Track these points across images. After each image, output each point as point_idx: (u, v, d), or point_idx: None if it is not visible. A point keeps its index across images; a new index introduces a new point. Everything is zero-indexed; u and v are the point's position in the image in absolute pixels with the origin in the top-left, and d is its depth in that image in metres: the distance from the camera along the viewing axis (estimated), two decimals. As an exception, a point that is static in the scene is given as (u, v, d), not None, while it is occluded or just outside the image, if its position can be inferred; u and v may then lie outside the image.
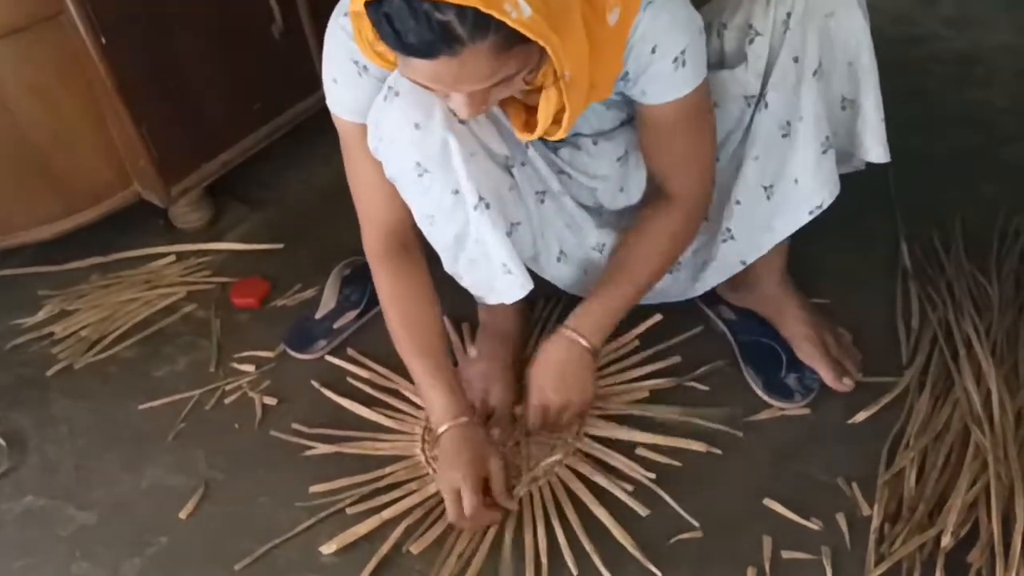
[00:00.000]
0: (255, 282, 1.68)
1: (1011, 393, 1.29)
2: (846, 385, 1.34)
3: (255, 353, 1.56)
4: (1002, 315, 1.40)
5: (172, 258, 1.76)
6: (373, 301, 1.57)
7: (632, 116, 1.23)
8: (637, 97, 1.14)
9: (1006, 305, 1.42)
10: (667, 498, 1.26)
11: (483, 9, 0.83)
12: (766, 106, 1.17)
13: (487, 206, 1.13)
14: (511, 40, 0.88)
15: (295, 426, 1.43)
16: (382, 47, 0.97)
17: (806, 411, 1.34)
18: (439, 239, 1.21)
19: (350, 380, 1.49)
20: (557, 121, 1.05)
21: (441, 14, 0.84)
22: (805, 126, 1.17)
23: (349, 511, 1.29)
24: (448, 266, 1.26)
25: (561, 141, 1.26)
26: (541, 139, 1.20)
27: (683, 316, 1.48)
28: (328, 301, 1.60)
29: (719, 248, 1.31)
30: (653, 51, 1.06)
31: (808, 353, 1.36)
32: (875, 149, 1.20)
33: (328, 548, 1.25)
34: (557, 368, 1.26)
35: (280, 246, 1.77)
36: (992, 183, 1.69)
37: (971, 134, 1.81)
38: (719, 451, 1.31)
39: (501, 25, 0.85)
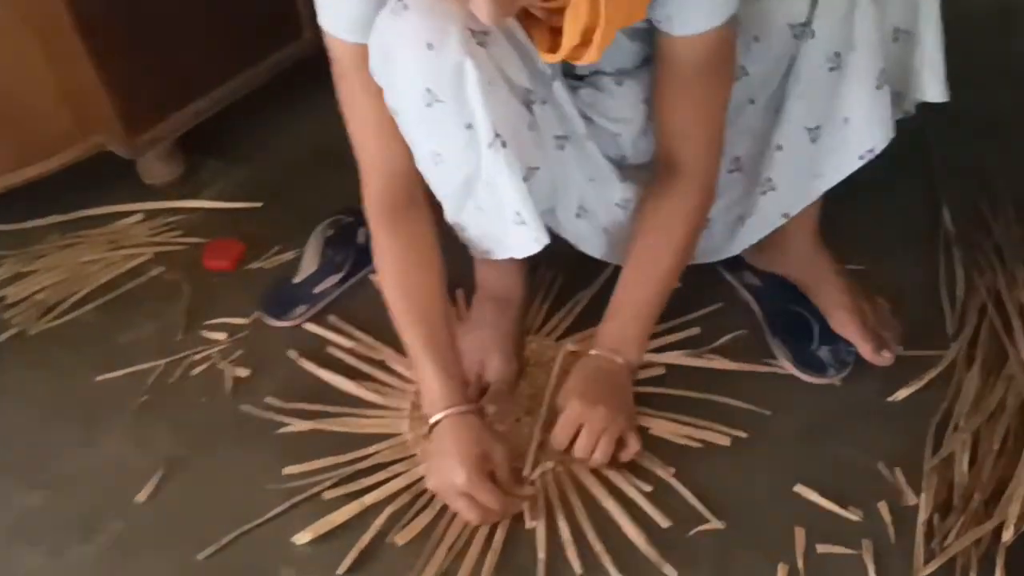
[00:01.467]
0: (229, 243, 1.54)
1: (1074, 368, 1.14)
2: (885, 358, 1.20)
3: (227, 320, 1.42)
4: (1059, 283, 1.26)
5: (139, 216, 1.63)
6: (358, 264, 1.45)
7: (652, 55, 1.10)
8: (663, 23, 1.00)
9: (1062, 272, 1.28)
10: (684, 491, 1.11)
11: None
12: (812, 35, 1.03)
13: (503, 144, 0.98)
14: None
15: (269, 400, 1.29)
16: None
17: (841, 386, 1.20)
18: (444, 183, 1.07)
19: (331, 350, 1.34)
20: (586, 43, 0.91)
21: None
22: (858, 58, 1.03)
23: (327, 496, 1.15)
24: (451, 214, 1.12)
25: (581, 79, 1.12)
26: (563, 75, 1.07)
27: (703, 282, 1.34)
28: (309, 264, 1.46)
29: (758, 201, 1.18)
30: None
31: (844, 323, 1.22)
32: (933, 86, 1.07)
33: (303, 537, 1.11)
34: (592, 381, 1.12)
35: (257, 204, 1.63)
36: (1036, 144, 1.55)
37: (1014, 90, 1.67)
38: (743, 433, 1.17)
39: None
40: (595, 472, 1.14)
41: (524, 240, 1.07)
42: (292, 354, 1.35)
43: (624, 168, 1.18)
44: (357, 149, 1.10)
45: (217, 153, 1.74)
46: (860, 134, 1.08)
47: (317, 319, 1.40)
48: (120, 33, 1.46)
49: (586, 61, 0.93)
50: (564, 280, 1.38)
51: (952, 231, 1.38)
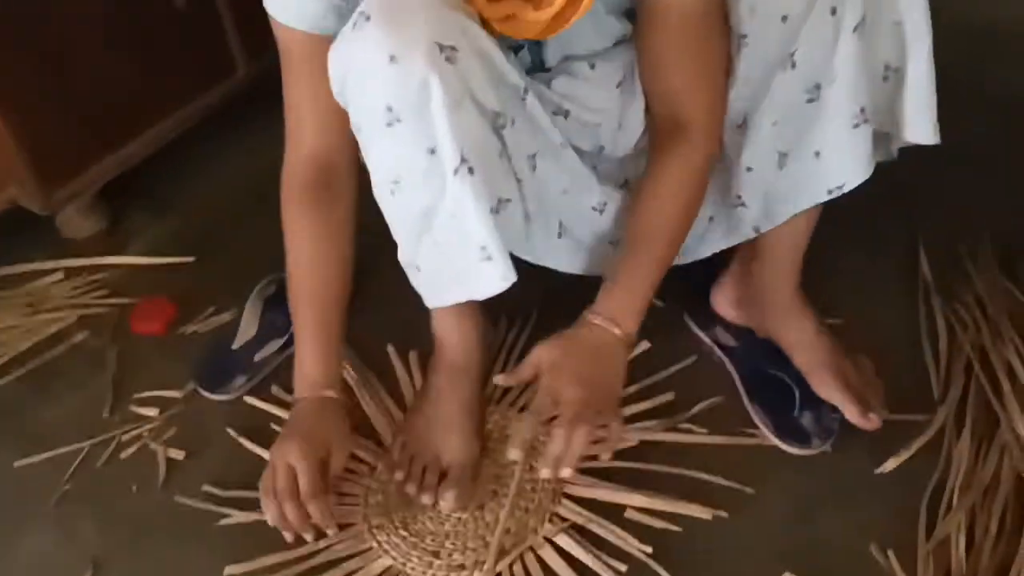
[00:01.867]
0: (159, 303, 1.43)
1: (1070, 435, 1.08)
2: (873, 422, 1.12)
3: (159, 393, 1.31)
4: (1048, 339, 1.20)
5: (60, 275, 1.51)
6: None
7: (628, 35, 1.05)
8: None
9: (1050, 327, 1.22)
10: (662, 573, 1.03)
11: None
12: (792, 66, 0.96)
13: (470, 171, 0.91)
14: None
15: (207, 488, 1.18)
16: None
17: (826, 456, 1.13)
18: (401, 213, 0.98)
19: (275, 427, 1.23)
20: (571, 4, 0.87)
21: None
22: (837, 92, 0.97)
23: (275, 599, 1.05)
24: (406, 252, 1.03)
25: (552, 71, 1.05)
26: (535, 71, 1.03)
27: (671, 342, 1.26)
28: (248, 328, 1.35)
29: (729, 212, 1.12)
30: None
31: (827, 384, 1.15)
32: (922, 127, 1.01)
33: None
34: (580, 349, 1.01)
35: (190, 259, 1.52)
36: (1017, 182, 1.49)
37: (993, 122, 1.61)
38: (725, 513, 1.08)
39: None
40: (566, 556, 1.05)
41: (489, 278, 0.97)
42: (231, 432, 1.23)
43: (600, 168, 1.12)
44: (289, 124, 1.06)
45: (144, 202, 1.63)
46: (830, 170, 1.02)
47: (258, 390, 1.30)
48: (33, 79, 1.34)
49: (580, 15, 0.88)
50: (527, 342, 1.29)
51: (931, 280, 1.31)
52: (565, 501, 1.10)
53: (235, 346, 1.33)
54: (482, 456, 1.16)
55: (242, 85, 1.58)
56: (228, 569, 1.08)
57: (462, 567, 1.05)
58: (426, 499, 1.10)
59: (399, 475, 1.13)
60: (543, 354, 1.01)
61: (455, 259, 0.98)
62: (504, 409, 1.22)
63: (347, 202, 1.09)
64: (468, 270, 0.98)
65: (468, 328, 1.18)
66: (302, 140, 1.05)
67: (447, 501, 1.09)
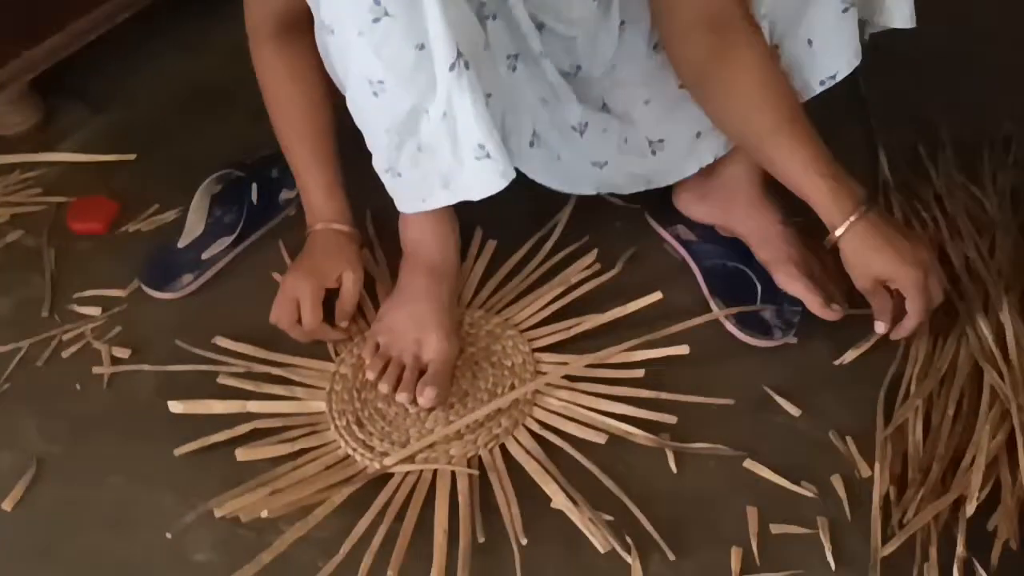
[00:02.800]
0: (100, 201, 1.37)
1: (1026, 325, 1.10)
2: (836, 312, 1.12)
3: (101, 292, 1.26)
4: (1004, 234, 1.20)
5: (-10, 172, 1.43)
6: (251, 224, 1.30)
7: None
8: None
9: (1006, 222, 1.23)
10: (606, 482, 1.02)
11: None
12: None
13: (466, 65, 0.88)
14: None
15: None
16: None
17: (786, 348, 1.14)
18: (382, 116, 0.95)
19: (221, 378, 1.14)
20: None
21: None
22: None
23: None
24: (384, 159, 1.00)
25: None
26: None
27: (635, 231, 1.26)
28: (194, 226, 1.30)
29: None
30: None
31: (790, 277, 1.14)
32: (900, 10, 1.01)
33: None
34: (889, 230, 1.01)
35: (131, 156, 1.45)
36: (974, 85, 1.50)
37: (947, 31, 1.60)
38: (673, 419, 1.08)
39: None
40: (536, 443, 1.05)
41: (486, 176, 0.95)
42: (180, 343, 1.18)
43: (579, 85, 1.10)
44: None
45: (79, 97, 1.55)
46: (823, 58, 1.02)
47: (207, 287, 1.26)
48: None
49: None
50: (499, 252, 1.25)
51: (890, 179, 1.31)
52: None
53: (181, 244, 1.28)
54: (459, 356, 1.13)
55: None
56: (178, 450, 1.06)
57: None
58: (403, 397, 1.07)
59: (371, 374, 1.10)
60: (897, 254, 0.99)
61: (444, 160, 0.96)
62: (474, 311, 1.19)
63: (311, 34, 1.04)
64: (460, 170, 0.96)
65: (446, 231, 1.15)
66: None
67: (426, 398, 1.06)
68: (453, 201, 1.00)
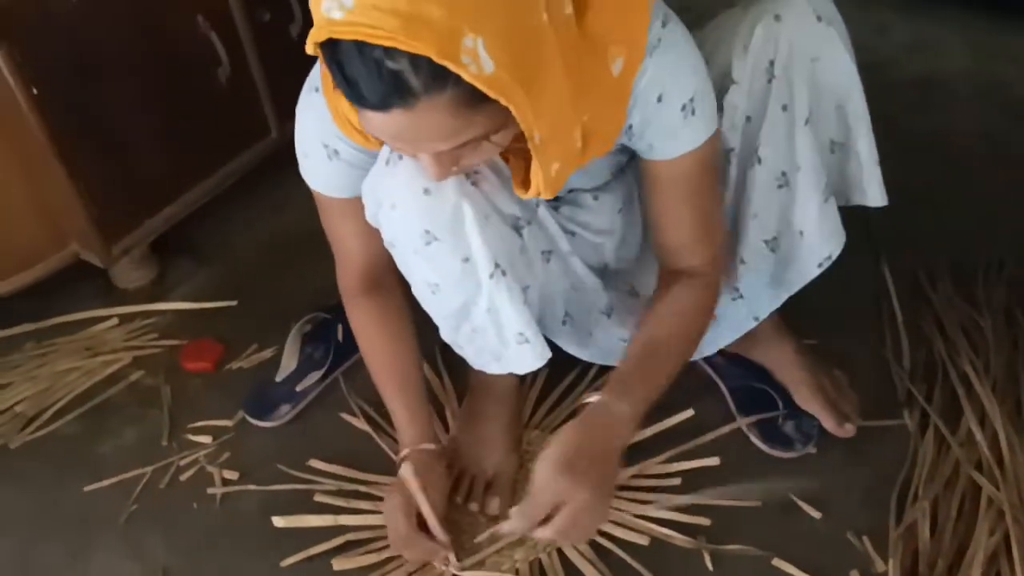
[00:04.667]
0: (207, 344, 1.56)
1: (1018, 433, 1.24)
2: (848, 431, 1.28)
3: (211, 422, 1.44)
4: (998, 351, 1.35)
5: (114, 321, 1.63)
6: (338, 359, 1.49)
7: (626, 163, 1.17)
8: (644, 152, 1.05)
9: (1000, 340, 1.38)
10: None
11: (437, 60, 0.74)
12: (759, 161, 1.11)
13: (503, 273, 1.05)
14: (475, 96, 0.78)
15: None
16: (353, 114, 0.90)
17: (806, 458, 1.28)
18: (441, 309, 1.12)
19: (317, 496, 1.32)
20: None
21: (393, 62, 0.76)
22: (804, 176, 1.11)
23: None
24: (447, 335, 1.17)
25: (558, 199, 1.19)
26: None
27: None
28: (289, 362, 1.49)
29: (729, 306, 1.24)
30: (659, 99, 0.97)
31: (807, 398, 1.30)
32: (872, 192, 1.16)
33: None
34: (582, 451, 1.02)
35: (233, 303, 1.64)
36: (965, 211, 1.66)
37: (938, 162, 1.79)
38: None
39: (461, 78, 0.76)
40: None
41: (528, 356, 1.12)
42: (281, 467, 1.36)
43: (606, 276, 1.25)
44: (333, 246, 1.19)
45: (187, 254, 1.75)
46: (815, 244, 1.15)
47: (302, 416, 1.44)
48: (93, 146, 1.48)
49: (547, 198, 0.98)
50: (550, 375, 1.42)
51: (896, 304, 1.46)
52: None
53: (278, 378, 1.46)
54: (520, 470, 1.30)
55: (274, 146, 1.74)
56: (284, 562, 1.23)
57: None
58: (474, 506, 1.25)
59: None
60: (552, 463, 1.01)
61: (493, 343, 1.13)
62: (531, 431, 1.36)
63: (398, 290, 1.20)
64: (506, 350, 1.13)
65: None
66: (349, 259, 1.18)
67: (491, 506, 1.24)
68: (505, 371, 1.17)
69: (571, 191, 1.19)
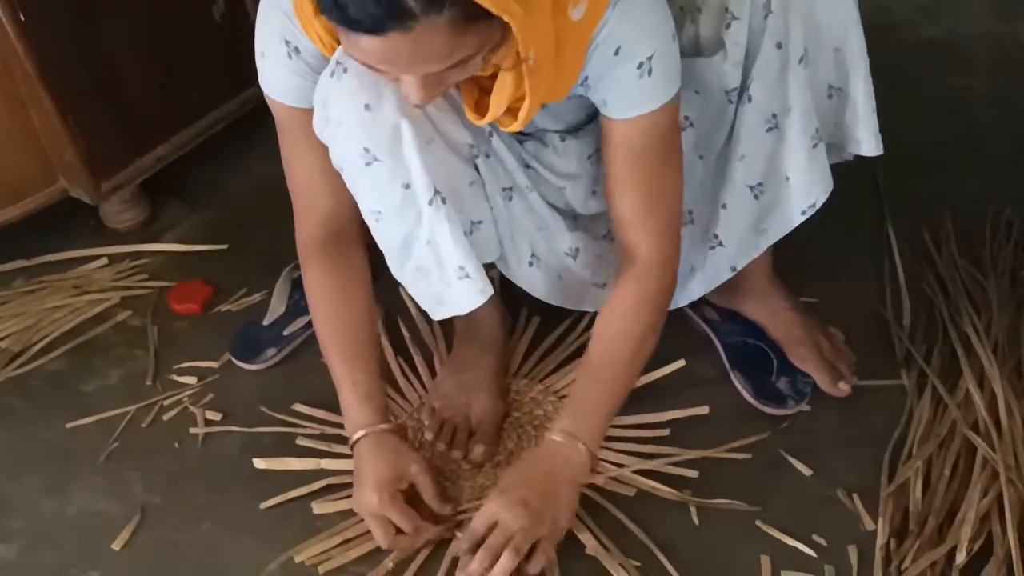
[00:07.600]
0: (196, 286, 1.54)
1: (1017, 396, 1.20)
2: (842, 390, 1.25)
3: (196, 364, 1.43)
4: (1001, 312, 1.32)
5: (104, 261, 1.61)
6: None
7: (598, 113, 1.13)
8: (601, 108, 1.02)
9: (1004, 302, 1.34)
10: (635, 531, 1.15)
11: None
12: (749, 99, 1.07)
13: (443, 201, 1.02)
14: (470, 15, 0.77)
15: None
16: (322, 22, 0.87)
17: (798, 415, 1.25)
18: (385, 240, 1.09)
19: (299, 440, 1.30)
20: (512, 111, 0.94)
21: None
22: (793, 119, 1.07)
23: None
24: (396, 272, 1.14)
25: (525, 134, 1.14)
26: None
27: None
28: (277, 306, 1.47)
29: (707, 256, 1.21)
30: (616, 52, 0.95)
31: (801, 356, 1.27)
32: (867, 141, 1.12)
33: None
34: (535, 472, 1.07)
35: (223, 247, 1.63)
36: (977, 174, 1.62)
37: (951, 123, 1.74)
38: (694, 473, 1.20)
39: None
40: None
41: (468, 294, 1.08)
42: (264, 409, 1.34)
43: (572, 218, 1.21)
44: (293, 193, 1.14)
45: (179, 196, 1.73)
46: (800, 191, 1.12)
47: (288, 359, 1.42)
48: (84, 80, 1.45)
49: (512, 131, 0.97)
50: (541, 325, 1.40)
51: (899, 263, 1.43)
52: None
53: (266, 322, 1.45)
54: (504, 418, 1.28)
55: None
56: (264, 504, 1.21)
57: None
58: (456, 454, 1.22)
59: (429, 434, 1.25)
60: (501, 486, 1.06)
61: (435, 281, 1.10)
62: (519, 380, 1.34)
63: (360, 248, 1.16)
64: (448, 288, 1.09)
65: (491, 311, 1.29)
66: (311, 205, 1.12)
67: (475, 454, 1.21)
68: (448, 315, 1.13)
69: (538, 130, 1.15)
